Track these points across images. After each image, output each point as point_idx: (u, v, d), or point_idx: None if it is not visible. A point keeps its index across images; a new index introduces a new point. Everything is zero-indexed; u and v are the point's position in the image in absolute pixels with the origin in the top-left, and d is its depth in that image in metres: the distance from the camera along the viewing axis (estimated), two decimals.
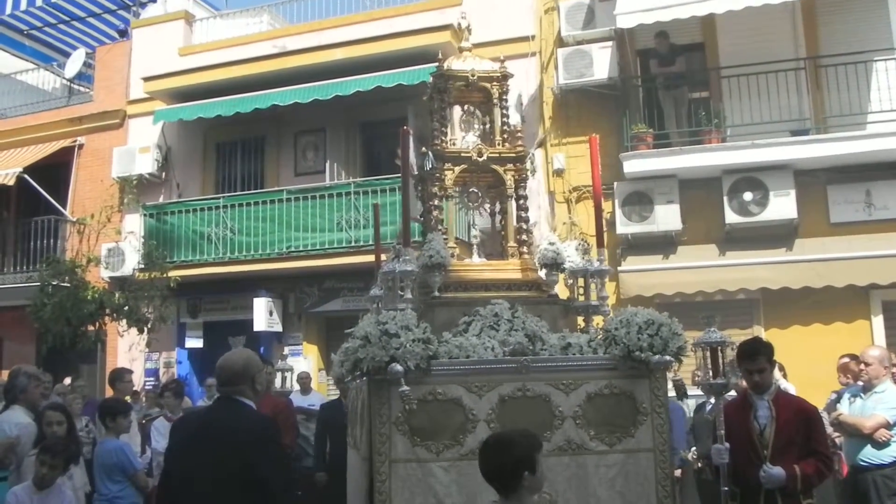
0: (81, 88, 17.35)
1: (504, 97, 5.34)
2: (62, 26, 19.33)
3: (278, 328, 14.35)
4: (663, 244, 12.24)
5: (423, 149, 5.27)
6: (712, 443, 4.80)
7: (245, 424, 3.88)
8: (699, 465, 7.89)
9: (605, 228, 12.05)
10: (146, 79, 15.01)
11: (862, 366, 6.46)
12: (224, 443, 3.79)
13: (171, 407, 9.04)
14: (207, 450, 3.82)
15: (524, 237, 5.20)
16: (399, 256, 4.42)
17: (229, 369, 4.09)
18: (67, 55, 18.05)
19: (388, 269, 4.45)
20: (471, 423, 4.06)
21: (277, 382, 8.24)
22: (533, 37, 13.50)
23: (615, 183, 12.29)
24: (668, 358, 4.05)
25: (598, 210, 5.22)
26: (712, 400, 5.03)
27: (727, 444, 4.57)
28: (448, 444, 4.03)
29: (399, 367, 3.87)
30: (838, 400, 7.09)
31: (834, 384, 7.96)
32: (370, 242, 11.43)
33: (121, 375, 9.41)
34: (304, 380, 12.07)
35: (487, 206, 5.45)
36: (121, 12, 18.50)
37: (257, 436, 3.85)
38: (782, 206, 11.51)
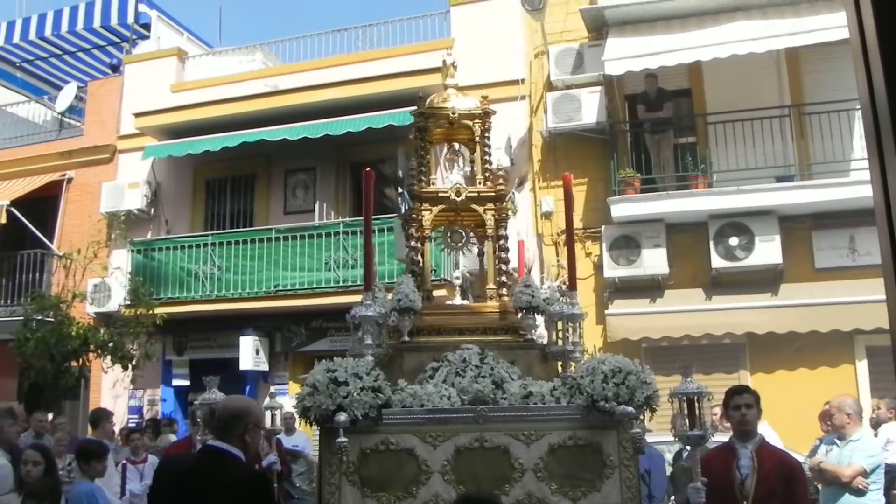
0: (72, 122, 17.32)
1: (486, 135, 5.13)
2: (54, 60, 19.42)
3: (265, 367, 14.24)
4: (650, 288, 12.24)
5: (400, 189, 5.18)
6: None
7: (234, 478, 3.75)
8: None
9: (592, 272, 12.31)
10: (137, 114, 15.07)
11: (838, 416, 6.44)
12: (213, 494, 3.68)
13: (135, 449, 9.00)
14: (195, 501, 3.71)
15: (504, 279, 5.03)
16: (364, 301, 4.33)
17: (225, 411, 3.97)
18: (59, 88, 18.06)
19: (352, 313, 4.36)
20: (424, 474, 3.90)
21: (267, 420, 8.14)
22: (523, 80, 13.56)
23: (603, 227, 12.34)
24: (630, 409, 3.92)
25: (571, 249, 5.01)
26: (688, 448, 4.93)
27: (705, 479, 4.46)
28: (400, 495, 3.87)
29: (343, 417, 3.75)
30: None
31: (819, 430, 7.92)
32: (358, 282, 11.38)
33: (104, 416, 9.25)
34: (289, 420, 11.87)
35: (475, 247, 5.24)
36: (112, 48, 18.59)
37: (247, 489, 3.73)
38: (768, 251, 11.55)
